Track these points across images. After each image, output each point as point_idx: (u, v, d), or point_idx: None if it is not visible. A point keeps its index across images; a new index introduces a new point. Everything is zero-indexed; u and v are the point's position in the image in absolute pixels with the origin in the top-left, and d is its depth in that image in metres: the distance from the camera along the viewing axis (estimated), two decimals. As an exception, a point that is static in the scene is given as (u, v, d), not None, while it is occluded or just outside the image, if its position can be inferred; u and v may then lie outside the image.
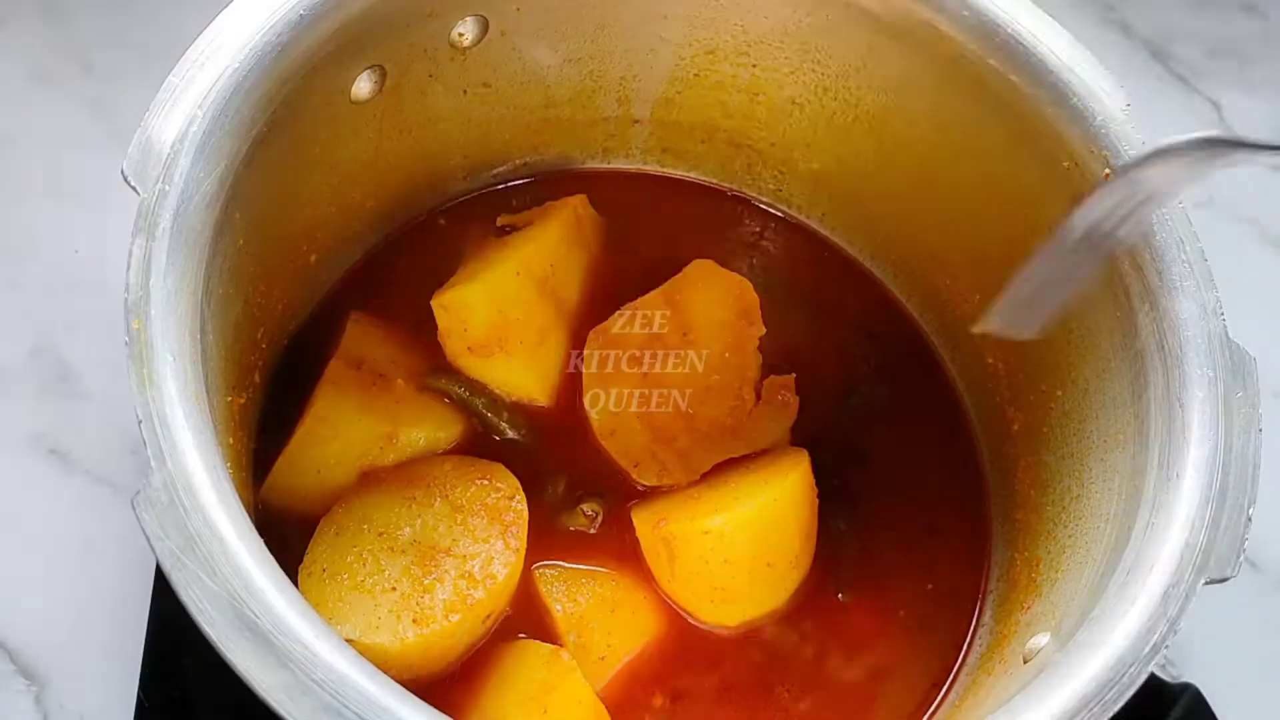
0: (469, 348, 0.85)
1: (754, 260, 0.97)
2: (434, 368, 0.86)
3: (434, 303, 0.85)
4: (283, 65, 0.72)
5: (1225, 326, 0.72)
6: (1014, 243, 0.85)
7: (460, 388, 0.85)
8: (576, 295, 0.91)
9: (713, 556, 0.79)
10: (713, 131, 0.95)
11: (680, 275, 0.90)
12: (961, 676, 0.83)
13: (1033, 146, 0.80)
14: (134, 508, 0.58)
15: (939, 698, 0.82)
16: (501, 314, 0.85)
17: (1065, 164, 0.78)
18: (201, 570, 0.57)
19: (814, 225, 0.98)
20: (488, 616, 0.76)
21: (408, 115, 0.85)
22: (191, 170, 0.66)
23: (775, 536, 0.80)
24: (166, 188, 0.66)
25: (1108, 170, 0.75)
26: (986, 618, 0.85)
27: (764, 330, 0.90)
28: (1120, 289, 0.75)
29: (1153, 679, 0.64)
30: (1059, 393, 0.82)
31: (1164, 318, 0.72)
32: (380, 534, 0.76)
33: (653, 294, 0.89)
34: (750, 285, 0.91)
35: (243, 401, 0.77)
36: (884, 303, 0.97)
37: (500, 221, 0.93)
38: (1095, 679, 0.63)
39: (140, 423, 0.60)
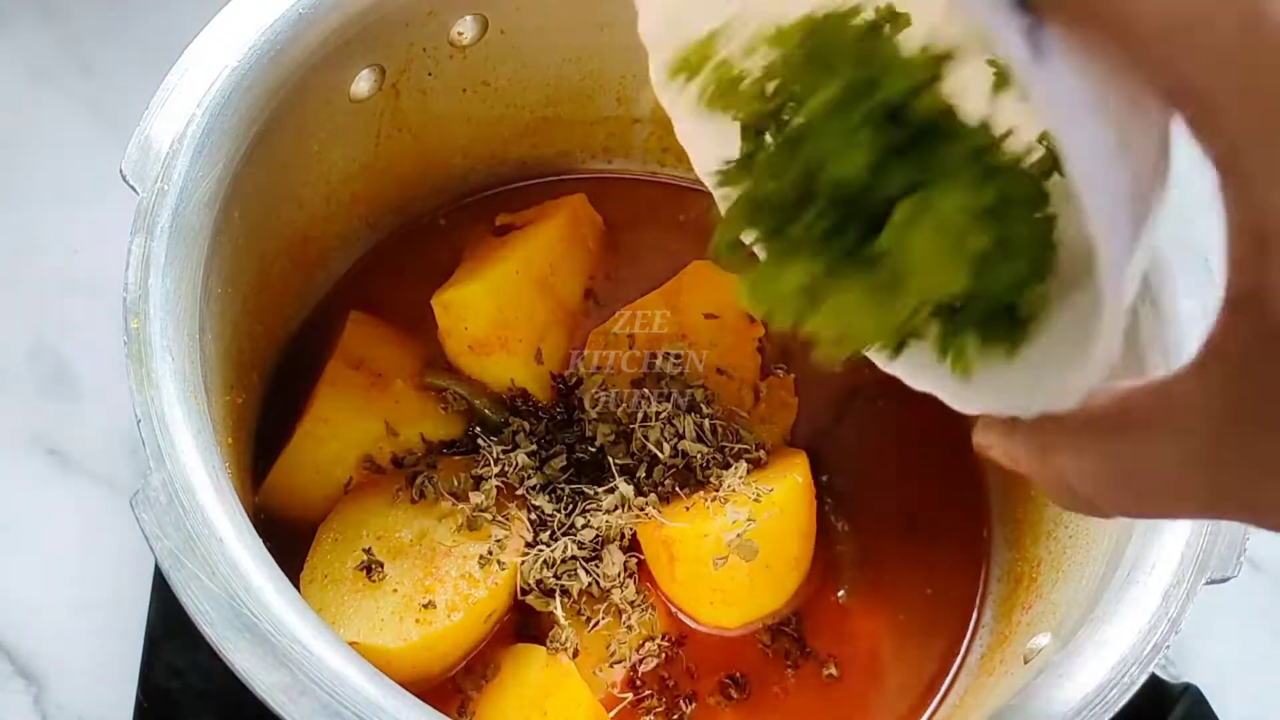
0: (469, 346, 0.85)
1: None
2: (433, 366, 0.86)
3: (434, 302, 0.85)
4: (281, 64, 0.72)
5: (1226, 326, 0.71)
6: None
7: (460, 386, 0.85)
8: (576, 295, 0.91)
9: (712, 559, 0.78)
10: (713, 131, 0.95)
11: (679, 276, 0.90)
12: (961, 677, 0.82)
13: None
14: (133, 508, 0.58)
15: (938, 698, 0.82)
16: (501, 313, 0.85)
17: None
18: (200, 570, 0.57)
19: (814, 225, 0.98)
20: (489, 616, 0.76)
21: (407, 114, 0.85)
22: (190, 169, 0.67)
23: (774, 538, 0.80)
24: (165, 187, 0.66)
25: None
26: (987, 618, 0.85)
27: (763, 331, 0.90)
28: (1121, 289, 0.75)
29: (1153, 679, 0.64)
30: (1060, 393, 0.82)
31: (1164, 318, 0.72)
32: (379, 538, 0.77)
33: (652, 295, 0.89)
34: None
35: (241, 401, 0.77)
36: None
37: (500, 221, 0.93)
38: (1096, 679, 0.63)
39: (139, 422, 0.60)
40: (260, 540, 0.60)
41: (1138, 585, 0.66)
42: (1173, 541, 0.67)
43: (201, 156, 0.67)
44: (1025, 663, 0.72)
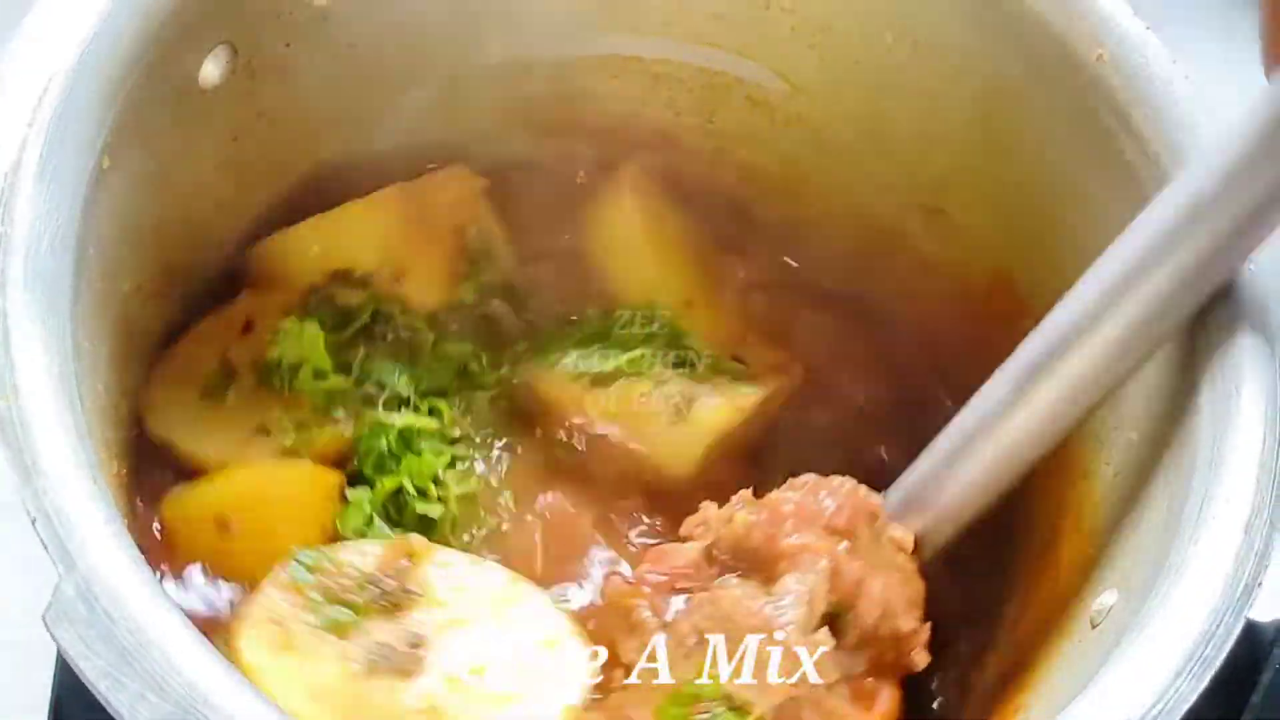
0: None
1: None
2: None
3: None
4: (118, 59, 0.70)
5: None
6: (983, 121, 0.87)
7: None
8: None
9: None
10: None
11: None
12: (1000, 658, 0.83)
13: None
14: (47, 626, 0.56)
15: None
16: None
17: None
18: (146, 689, 0.55)
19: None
20: None
21: (267, 97, 0.83)
22: (36, 202, 0.64)
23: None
24: (8, 229, 0.63)
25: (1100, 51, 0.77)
26: (1018, 587, 0.85)
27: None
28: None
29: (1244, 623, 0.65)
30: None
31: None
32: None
33: None
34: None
35: (124, 472, 0.75)
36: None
37: None
38: (1188, 637, 0.63)
39: (34, 522, 0.57)
40: (208, 640, 0.58)
41: (1213, 521, 0.66)
42: (1243, 465, 0.67)
43: (44, 185, 0.65)
44: (1094, 627, 0.73)
